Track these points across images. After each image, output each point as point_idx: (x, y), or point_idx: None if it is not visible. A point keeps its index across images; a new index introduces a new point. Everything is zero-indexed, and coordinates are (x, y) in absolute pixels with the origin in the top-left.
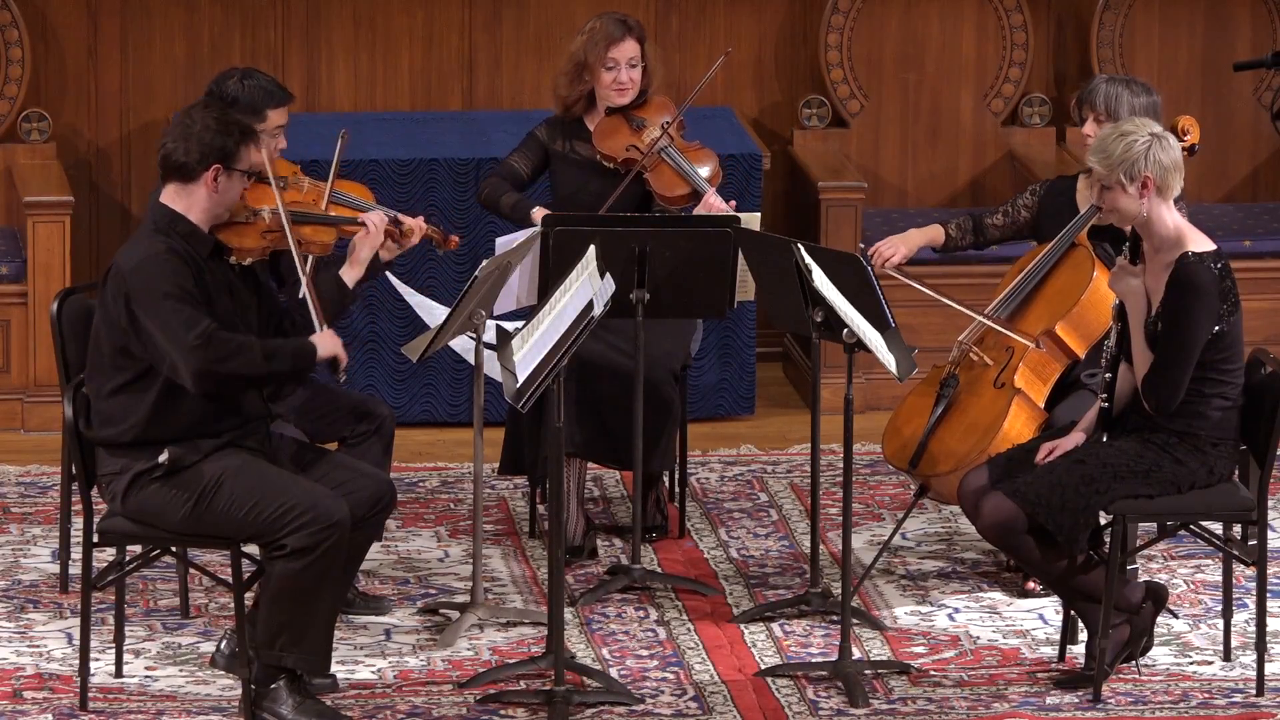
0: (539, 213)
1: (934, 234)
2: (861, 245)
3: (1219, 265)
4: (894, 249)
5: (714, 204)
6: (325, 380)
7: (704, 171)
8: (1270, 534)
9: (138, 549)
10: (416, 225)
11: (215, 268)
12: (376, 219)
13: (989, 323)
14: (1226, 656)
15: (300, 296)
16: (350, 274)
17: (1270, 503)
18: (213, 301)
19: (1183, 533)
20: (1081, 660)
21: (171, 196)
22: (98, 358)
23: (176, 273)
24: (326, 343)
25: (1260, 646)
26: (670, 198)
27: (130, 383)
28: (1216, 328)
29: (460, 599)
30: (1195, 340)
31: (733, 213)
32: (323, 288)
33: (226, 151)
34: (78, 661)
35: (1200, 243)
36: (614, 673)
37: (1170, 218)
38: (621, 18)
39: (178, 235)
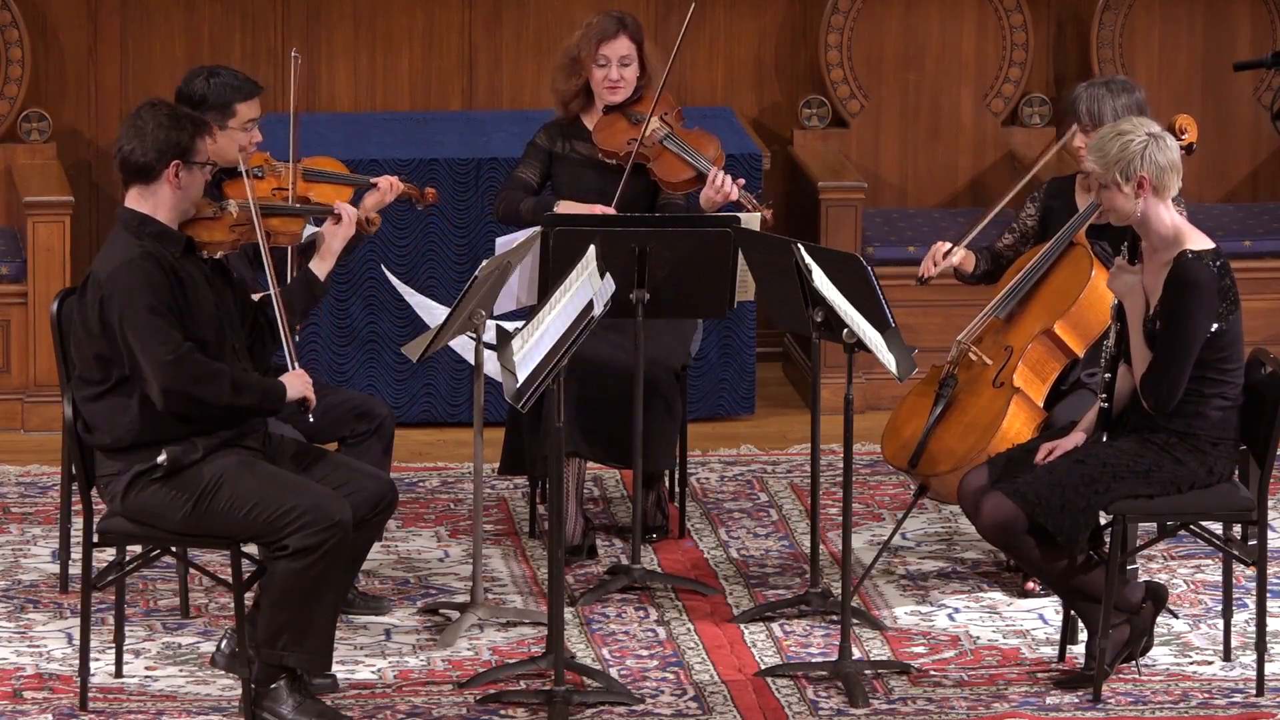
0: (564, 205)
1: (971, 257)
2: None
3: (1218, 264)
4: (944, 247)
5: (719, 180)
6: (297, 417)
7: (707, 154)
8: (1270, 534)
9: (138, 549)
10: (389, 183)
11: (189, 265)
12: (349, 211)
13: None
14: (1226, 656)
15: (271, 299)
16: (320, 266)
17: (1270, 503)
18: (190, 301)
19: (1183, 533)
20: (1081, 660)
21: (136, 199)
22: (82, 363)
23: (153, 280)
24: (296, 384)
25: (1260, 646)
26: (675, 183)
27: (112, 389)
28: (1215, 326)
29: (460, 599)
30: (1194, 338)
31: (742, 192)
32: (292, 287)
33: (183, 146)
34: (78, 661)
35: (1199, 241)
36: (614, 673)
37: (1168, 217)
38: (619, 15)
39: (149, 237)
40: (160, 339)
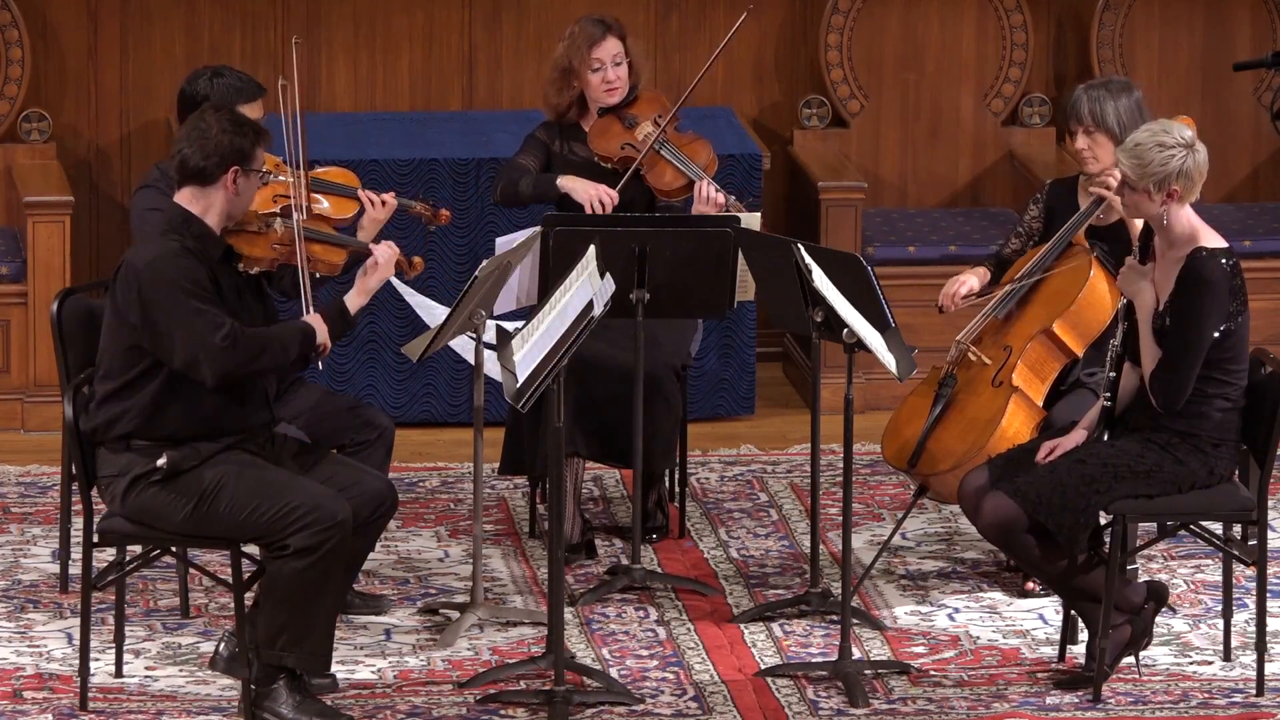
0: (565, 181)
1: (983, 274)
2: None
3: (1230, 262)
4: (959, 283)
5: (708, 193)
6: (313, 378)
7: (700, 162)
8: (1270, 534)
9: (138, 549)
10: (388, 200)
11: (225, 271)
12: (386, 253)
13: (1040, 273)
14: (1226, 656)
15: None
16: (354, 301)
17: (1270, 503)
18: (225, 302)
19: (1183, 533)
20: (1081, 660)
21: (188, 199)
22: (109, 354)
23: (193, 270)
24: (320, 325)
25: (1260, 646)
26: (669, 191)
27: (136, 379)
28: (1224, 326)
29: (460, 599)
30: (1204, 335)
31: (731, 199)
32: (325, 316)
33: (243, 153)
34: (78, 661)
35: (1213, 240)
36: (614, 673)
37: (1186, 216)
38: (599, 18)
39: (190, 236)
40: (210, 325)
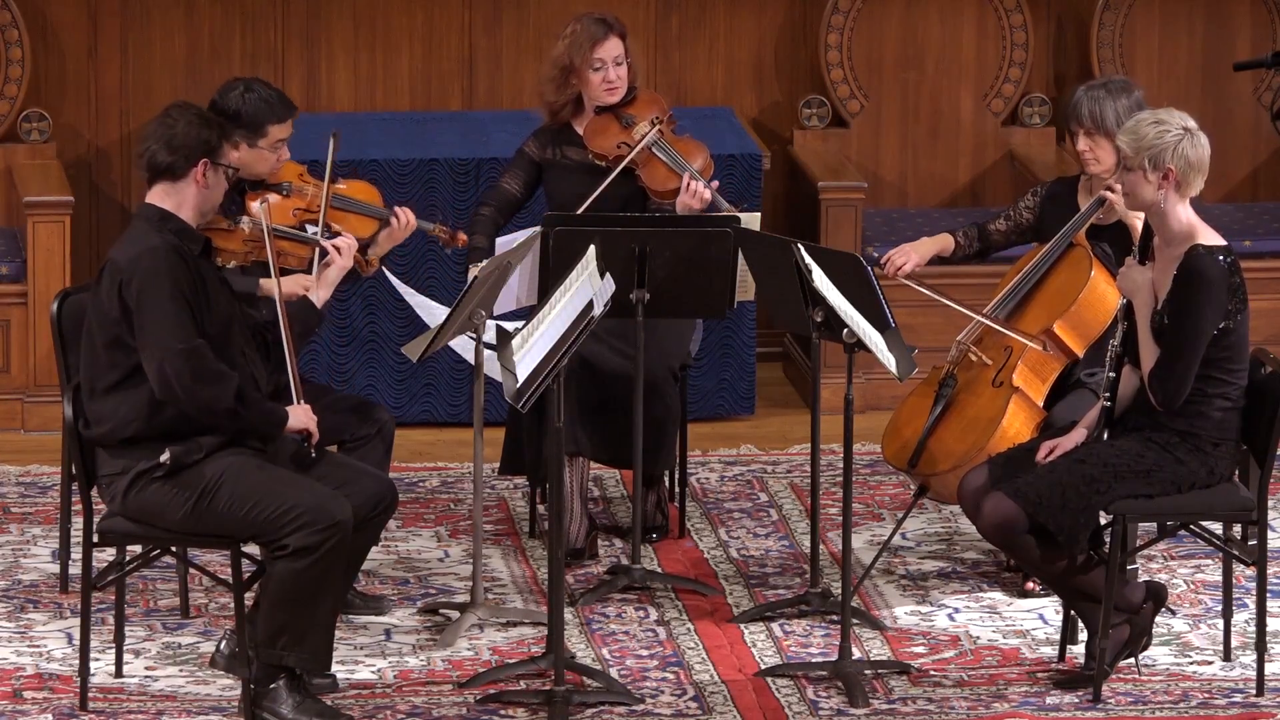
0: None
1: (944, 242)
2: (874, 253)
3: (1228, 260)
4: (906, 257)
5: (695, 187)
6: (299, 450)
7: (695, 164)
8: (1270, 534)
9: (138, 549)
10: (405, 218)
11: (207, 266)
12: (344, 243)
13: (994, 325)
14: (1226, 656)
15: (275, 323)
16: (317, 295)
17: (1270, 503)
18: (207, 298)
19: (1183, 533)
20: (1081, 660)
21: (160, 196)
22: (91, 355)
23: (177, 270)
24: (299, 416)
25: (1260, 646)
26: (663, 191)
27: (125, 379)
28: (1223, 324)
29: (460, 599)
30: (1202, 332)
31: (722, 202)
32: (292, 313)
33: (211, 146)
34: (78, 661)
35: (1211, 237)
36: (614, 673)
37: (1184, 213)
38: (600, 16)
39: (170, 233)
40: (178, 324)
